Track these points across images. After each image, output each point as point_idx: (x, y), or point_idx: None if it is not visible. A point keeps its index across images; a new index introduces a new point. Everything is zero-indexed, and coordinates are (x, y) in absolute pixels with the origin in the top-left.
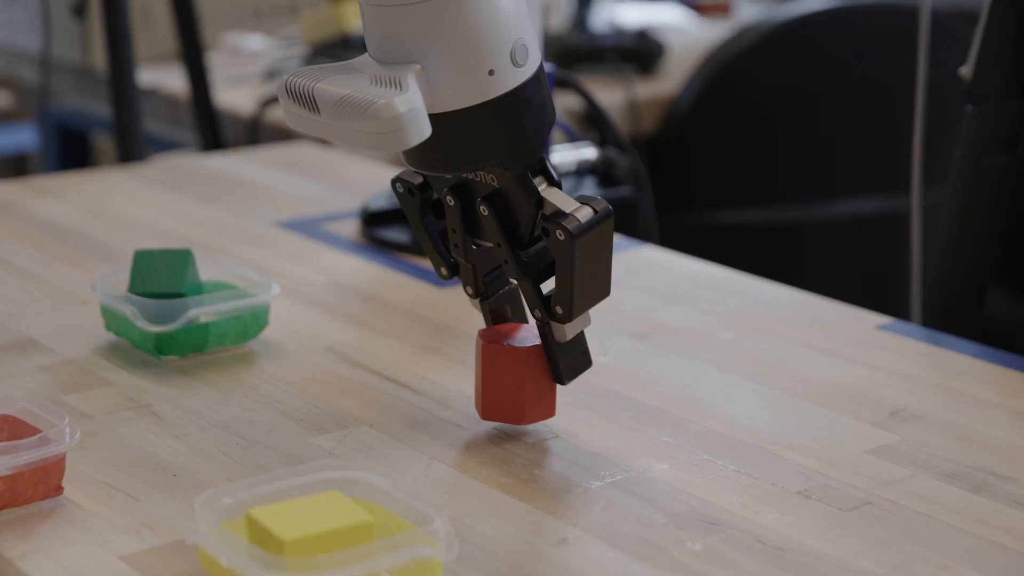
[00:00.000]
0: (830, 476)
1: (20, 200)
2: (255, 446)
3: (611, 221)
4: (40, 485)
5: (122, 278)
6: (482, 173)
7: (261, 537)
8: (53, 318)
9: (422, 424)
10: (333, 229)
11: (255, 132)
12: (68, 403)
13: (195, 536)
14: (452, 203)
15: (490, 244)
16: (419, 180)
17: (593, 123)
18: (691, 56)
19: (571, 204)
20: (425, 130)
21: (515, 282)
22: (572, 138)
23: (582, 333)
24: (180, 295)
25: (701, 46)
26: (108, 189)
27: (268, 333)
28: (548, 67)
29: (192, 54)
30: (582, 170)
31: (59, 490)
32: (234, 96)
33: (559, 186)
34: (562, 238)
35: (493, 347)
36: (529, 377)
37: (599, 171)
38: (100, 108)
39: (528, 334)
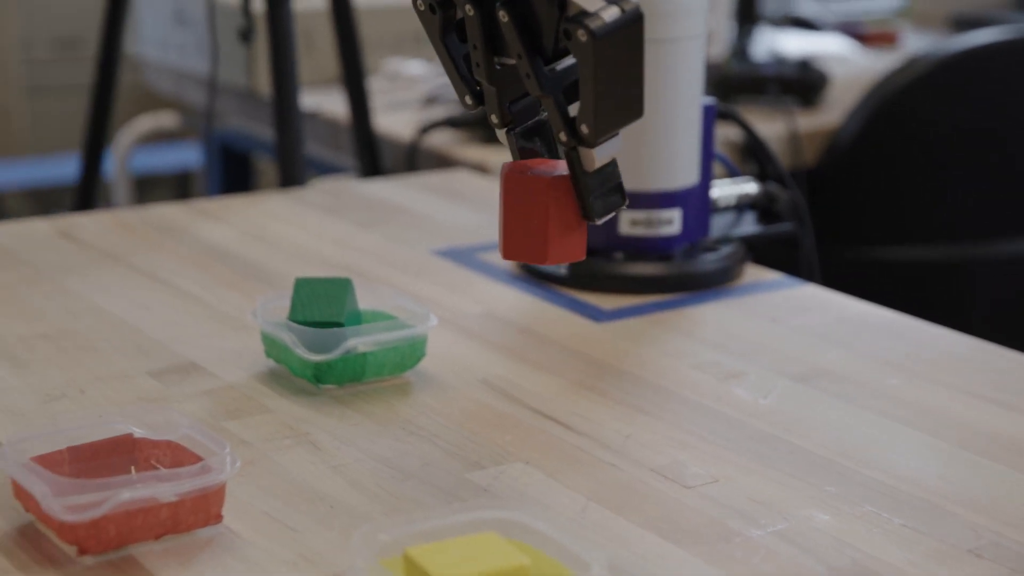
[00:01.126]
0: (1003, 535)
1: (185, 222)
2: (410, 479)
3: (641, 25)
4: (201, 513)
5: (283, 305)
6: None
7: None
8: (215, 342)
9: (578, 463)
10: (489, 259)
11: (413, 158)
12: (228, 429)
13: (352, 572)
14: (471, 12)
15: (513, 61)
16: None
17: (752, 155)
18: (855, 87)
19: (596, 3)
20: None
21: (547, 113)
22: (732, 172)
23: (615, 165)
24: (339, 324)
25: (865, 77)
26: (269, 213)
27: (424, 364)
28: (707, 100)
29: (353, 79)
30: (742, 205)
31: (219, 518)
32: (393, 121)
33: None
34: (584, 39)
35: (515, 176)
36: (554, 210)
37: (760, 206)
38: (262, 130)
39: (559, 167)
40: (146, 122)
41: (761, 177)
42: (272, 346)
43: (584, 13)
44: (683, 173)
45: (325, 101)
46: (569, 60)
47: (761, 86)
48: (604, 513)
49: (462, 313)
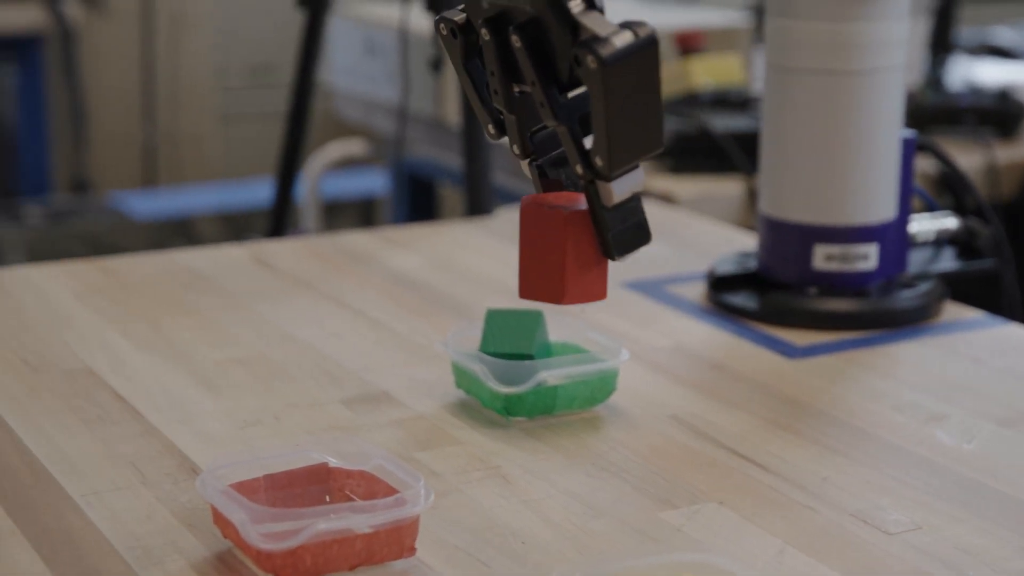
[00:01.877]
0: None
1: (374, 250)
2: (602, 516)
3: (656, 49)
4: (395, 545)
5: (473, 336)
6: None
7: None
8: (405, 371)
9: (772, 504)
10: (679, 292)
11: None
12: (419, 460)
13: None
14: (487, 37)
15: (524, 89)
16: (462, 19)
17: (949, 188)
18: None
19: (608, 28)
20: None
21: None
22: (930, 206)
23: (638, 200)
24: (530, 357)
25: None
26: (456, 242)
27: (614, 398)
28: (907, 132)
29: None
30: (941, 240)
31: (412, 551)
32: None
33: (601, 10)
34: (593, 65)
35: (532, 209)
36: (572, 246)
37: (959, 241)
38: (449, 158)
39: (580, 202)
40: (336, 149)
41: (958, 211)
42: (462, 377)
43: (595, 38)
44: (881, 207)
45: None
46: (585, 88)
47: (957, 117)
48: (802, 558)
49: (651, 347)
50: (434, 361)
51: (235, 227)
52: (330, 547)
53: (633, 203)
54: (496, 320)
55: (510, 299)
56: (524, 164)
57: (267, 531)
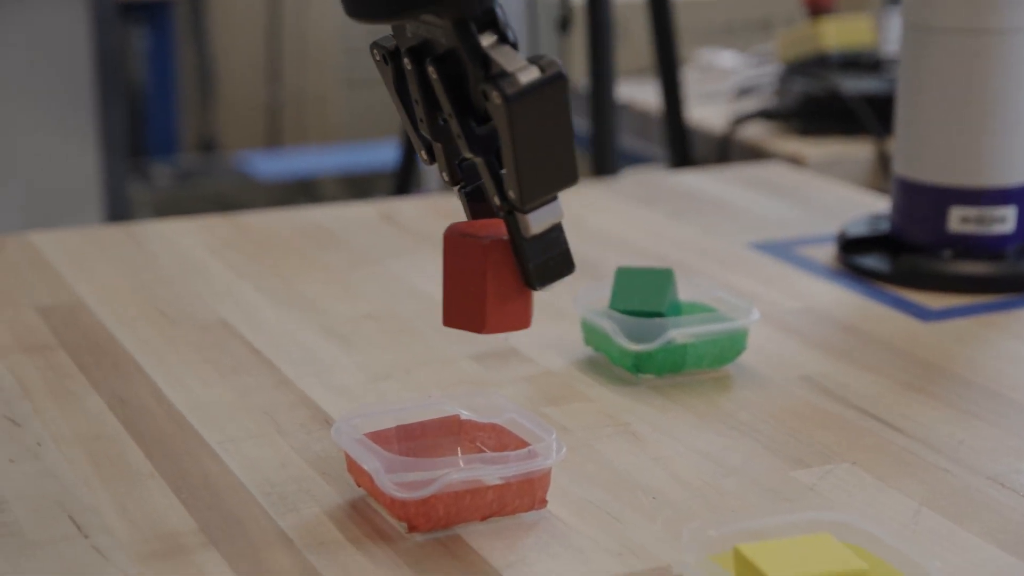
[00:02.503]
0: None
1: None
2: (733, 475)
3: (563, 84)
4: (526, 497)
5: (603, 295)
6: (435, 29)
7: (748, 574)
8: (534, 328)
9: (908, 466)
10: (808, 253)
11: (725, 150)
12: (549, 415)
13: (681, 566)
14: (409, 67)
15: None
16: (393, 45)
17: None
18: None
19: (517, 63)
20: None
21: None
22: None
23: (560, 230)
24: (660, 314)
25: None
26: (583, 201)
27: (744, 358)
28: None
29: (667, 69)
30: None
31: (543, 503)
32: (705, 113)
33: (514, 45)
34: (498, 101)
35: (454, 239)
36: (492, 275)
37: None
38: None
39: (504, 231)
40: None
41: None
42: (591, 334)
43: (502, 74)
44: (1019, 168)
45: (636, 91)
46: None
47: None
48: (938, 520)
49: (781, 308)
50: (562, 319)
51: (358, 188)
52: (462, 497)
53: (555, 233)
54: (626, 278)
55: (638, 258)
56: (455, 191)
57: (401, 480)
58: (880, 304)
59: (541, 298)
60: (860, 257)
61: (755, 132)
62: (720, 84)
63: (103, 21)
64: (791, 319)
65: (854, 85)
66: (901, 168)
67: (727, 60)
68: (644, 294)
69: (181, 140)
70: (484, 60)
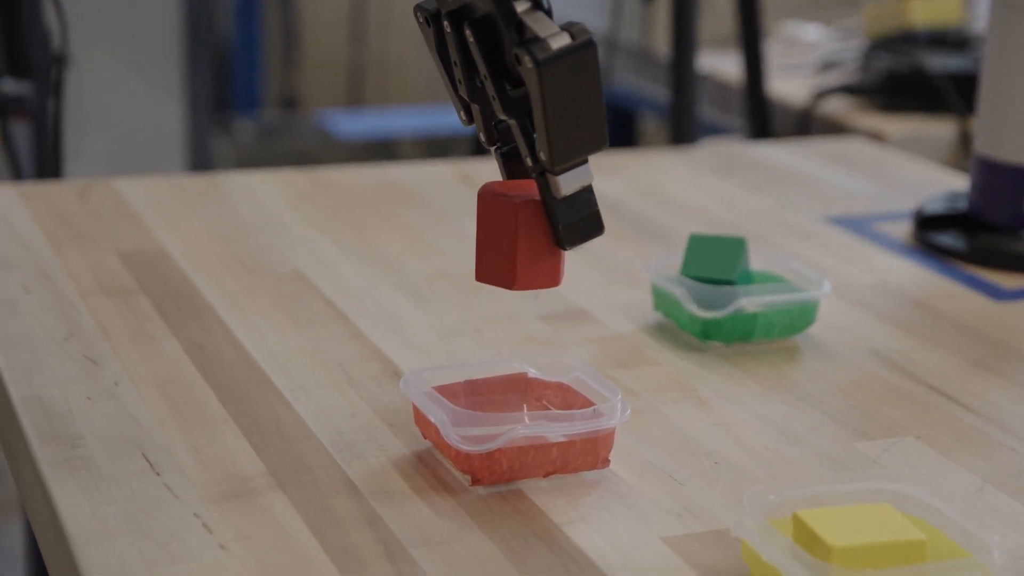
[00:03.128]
0: None
1: None
2: (797, 444)
3: (593, 52)
4: (589, 455)
5: (674, 261)
6: None
7: (807, 540)
8: (606, 292)
9: (973, 443)
10: (884, 229)
11: (805, 124)
12: (616, 377)
13: (739, 529)
14: (448, 30)
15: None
16: (435, 7)
17: None
18: None
19: (549, 29)
20: None
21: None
22: None
23: (591, 192)
24: (731, 282)
25: None
26: (660, 169)
27: (813, 330)
28: None
29: (750, 41)
30: None
31: (606, 462)
32: (786, 86)
33: (548, 13)
34: (529, 66)
35: (487, 197)
36: (524, 234)
37: None
38: (653, 89)
39: (535, 191)
40: None
41: None
42: (661, 299)
43: (535, 39)
44: None
45: (718, 62)
46: None
47: None
48: (1001, 497)
49: (854, 282)
50: (633, 283)
51: (436, 150)
52: (526, 453)
53: (585, 195)
54: (699, 245)
55: (712, 228)
56: (492, 151)
57: (466, 433)
58: (954, 282)
59: (614, 262)
60: (936, 235)
61: (836, 107)
62: (803, 58)
63: None
64: (863, 293)
65: (939, 62)
66: (982, 147)
67: (811, 34)
68: (716, 262)
69: (264, 96)
70: (518, 25)
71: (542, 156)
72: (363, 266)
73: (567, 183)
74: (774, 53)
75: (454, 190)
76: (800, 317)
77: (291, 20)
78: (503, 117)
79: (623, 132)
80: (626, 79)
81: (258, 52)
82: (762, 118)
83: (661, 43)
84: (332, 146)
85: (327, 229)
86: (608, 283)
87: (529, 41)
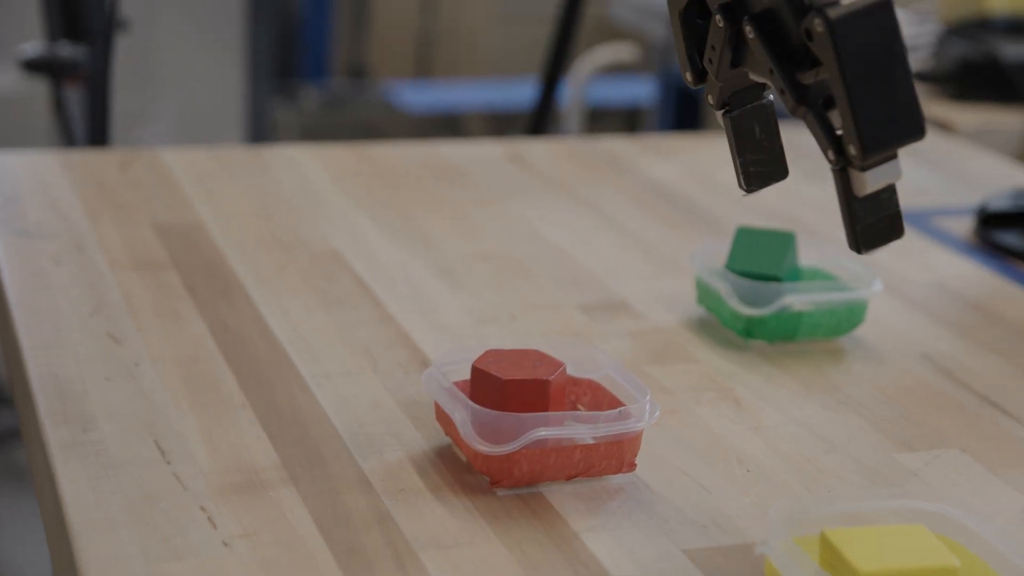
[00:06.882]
0: None
1: (633, 157)
2: (834, 452)
3: (891, 11)
4: (614, 459)
5: (721, 252)
6: None
7: (834, 561)
8: (649, 283)
9: (1022, 459)
10: (945, 225)
11: None
12: (651, 375)
13: (764, 547)
14: (721, 24)
15: (757, 79)
16: None
17: None
18: None
19: None
20: None
21: (770, 98)
22: None
23: (894, 191)
24: (777, 279)
25: None
26: (717, 155)
27: (862, 330)
28: None
29: None
30: None
31: (632, 466)
32: None
33: None
34: (820, 29)
35: (479, 374)
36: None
37: None
38: None
39: (526, 367)
40: (605, 53)
41: None
42: (705, 293)
43: (824, 3)
44: None
45: None
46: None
47: None
48: None
49: (909, 280)
50: (680, 274)
51: (501, 125)
52: (548, 455)
53: (887, 194)
54: (746, 238)
55: (765, 217)
56: (718, 114)
57: (486, 433)
58: (1015, 284)
59: (661, 251)
60: (999, 232)
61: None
62: None
63: None
64: (918, 293)
65: (1015, 52)
66: None
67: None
68: (763, 256)
69: (332, 65)
70: (808, 11)
71: (851, 150)
72: (400, 245)
73: (873, 179)
74: None
75: (503, 170)
76: (848, 317)
77: None
78: (793, 109)
79: (689, 115)
80: None
81: (328, 20)
82: None
83: None
84: (397, 118)
85: (368, 206)
86: (654, 273)
87: (818, 6)
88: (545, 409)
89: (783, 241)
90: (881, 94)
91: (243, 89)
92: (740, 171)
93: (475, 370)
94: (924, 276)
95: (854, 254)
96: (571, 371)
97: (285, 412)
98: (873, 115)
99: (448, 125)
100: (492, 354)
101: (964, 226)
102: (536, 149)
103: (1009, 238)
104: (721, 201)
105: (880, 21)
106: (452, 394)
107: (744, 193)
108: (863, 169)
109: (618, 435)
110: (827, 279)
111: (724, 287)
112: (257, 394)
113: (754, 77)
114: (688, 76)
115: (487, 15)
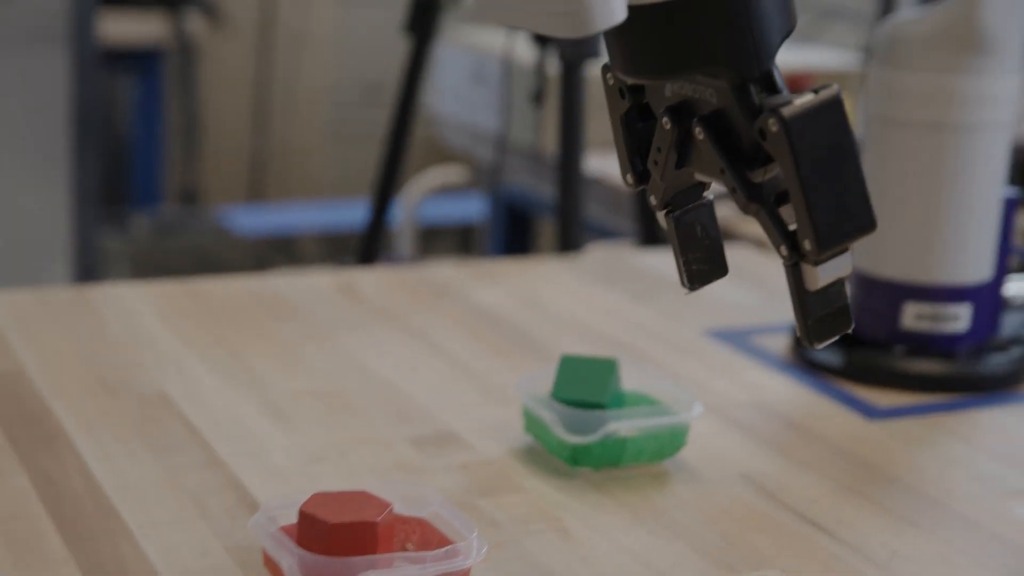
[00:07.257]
0: None
1: (461, 284)
2: None
3: (841, 106)
4: None
5: (547, 379)
6: (703, 89)
7: None
8: (477, 412)
9: (833, 573)
10: (763, 343)
11: None
12: (480, 507)
13: None
14: (668, 127)
15: (703, 179)
16: (633, 80)
17: None
18: None
19: (790, 96)
20: (617, 13)
21: (710, 197)
22: None
23: (842, 285)
24: (601, 406)
25: None
26: (544, 278)
27: (684, 453)
28: (1009, 190)
29: None
30: None
31: None
32: None
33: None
34: (775, 129)
35: (306, 520)
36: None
37: None
38: (545, 190)
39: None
40: (436, 175)
41: None
42: (531, 422)
43: (777, 104)
44: (976, 267)
45: (609, 164)
46: (775, 167)
47: None
48: None
49: (728, 400)
50: (507, 402)
51: (336, 247)
52: None
53: (837, 287)
54: (570, 366)
55: (589, 342)
56: (660, 215)
57: None
58: (828, 400)
59: (489, 379)
60: (812, 349)
61: (722, 213)
62: None
63: (84, 68)
64: (737, 412)
65: None
66: (859, 260)
67: None
68: (587, 384)
69: (163, 191)
70: (759, 112)
71: (806, 245)
72: (230, 385)
73: (825, 274)
74: None
75: (333, 302)
76: (670, 442)
77: (192, 112)
78: (744, 206)
79: (520, 232)
80: (520, 180)
81: (159, 144)
82: (651, 222)
83: (551, 144)
84: (231, 242)
85: (197, 345)
86: (483, 402)
87: (771, 107)
88: (374, 551)
89: (606, 368)
90: (834, 190)
91: (69, 219)
92: (683, 270)
93: (302, 514)
94: (744, 395)
95: (674, 376)
96: (400, 509)
97: (110, 566)
98: (828, 210)
99: (282, 248)
100: (320, 497)
101: (782, 343)
102: (366, 278)
103: (822, 355)
104: (546, 326)
105: (832, 118)
106: (279, 540)
107: (687, 291)
108: (817, 263)
109: (446, 574)
110: (650, 403)
111: (550, 416)
112: (81, 549)
113: (700, 177)
114: (629, 178)
115: (319, 135)
